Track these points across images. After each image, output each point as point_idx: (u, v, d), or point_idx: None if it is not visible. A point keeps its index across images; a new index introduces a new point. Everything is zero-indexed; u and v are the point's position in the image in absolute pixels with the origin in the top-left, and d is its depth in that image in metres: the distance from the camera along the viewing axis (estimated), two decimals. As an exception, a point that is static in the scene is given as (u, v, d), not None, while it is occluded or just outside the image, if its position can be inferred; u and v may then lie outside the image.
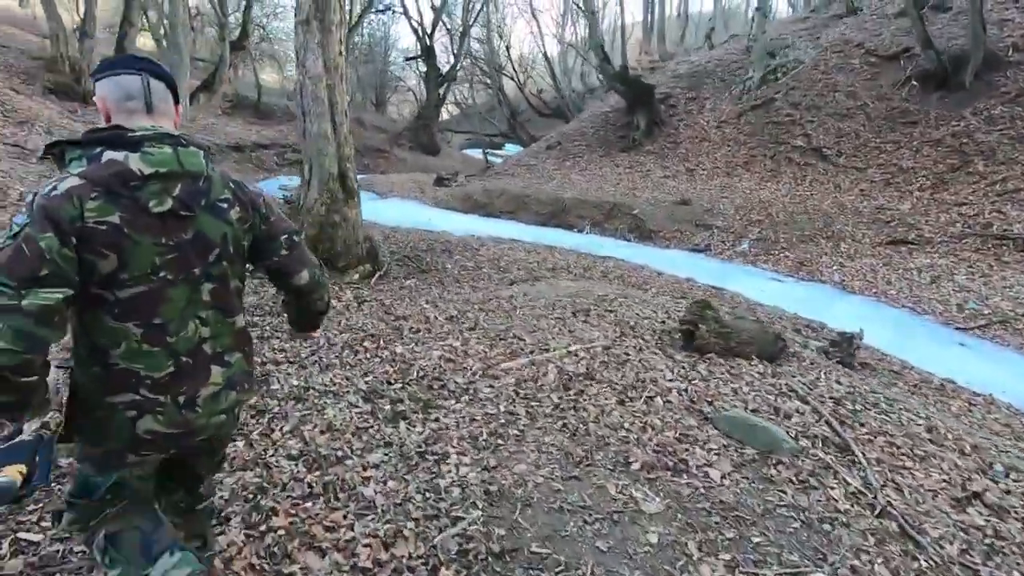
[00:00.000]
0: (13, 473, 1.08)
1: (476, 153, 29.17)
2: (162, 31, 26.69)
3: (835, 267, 9.60)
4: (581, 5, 28.69)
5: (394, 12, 24.11)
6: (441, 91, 25.22)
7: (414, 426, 2.76)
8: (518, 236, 11.29)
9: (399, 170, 22.92)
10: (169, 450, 1.34)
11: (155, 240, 1.19)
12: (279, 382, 3.15)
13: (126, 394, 1.22)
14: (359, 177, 17.50)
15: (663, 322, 4.44)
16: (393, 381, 3.27)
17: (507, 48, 30.84)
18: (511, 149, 35.03)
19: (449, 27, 26.35)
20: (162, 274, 1.21)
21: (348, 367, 3.48)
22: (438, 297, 5.64)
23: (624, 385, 3.18)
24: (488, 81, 34.25)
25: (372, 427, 2.74)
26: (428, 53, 23.63)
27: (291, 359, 3.53)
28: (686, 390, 3.11)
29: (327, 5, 5.38)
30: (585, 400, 3.02)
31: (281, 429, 2.66)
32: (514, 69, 31.37)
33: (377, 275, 6.21)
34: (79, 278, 1.12)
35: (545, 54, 25.29)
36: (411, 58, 26.19)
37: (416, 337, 4.17)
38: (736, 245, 10.88)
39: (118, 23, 16.00)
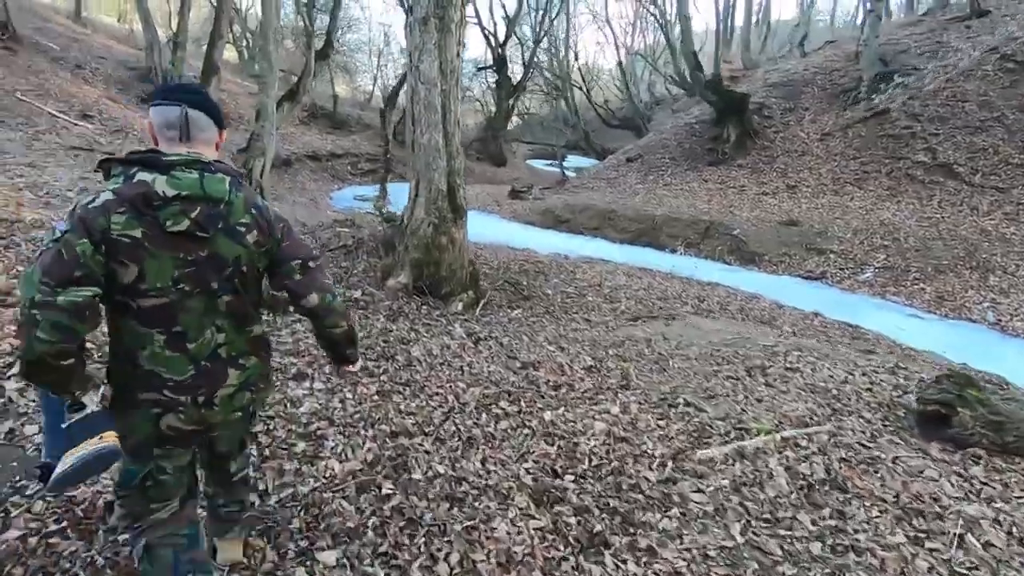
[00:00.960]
0: (112, 438, 1.48)
1: (539, 164, 28.55)
2: (244, 43, 27.58)
3: (986, 303, 8.21)
4: (656, 13, 27.69)
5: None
6: (511, 101, 24.70)
7: (624, 563, 1.94)
8: (607, 255, 10.42)
9: (468, 181, 22.50)
10: (191, 444, 1.50)
11: (173, 255, 1.30)
12: (421, 467, 2.41)
13: (151, 393, 1.35)
14: None
15: (869, 389, 3.46)
16: (562, 471, 2.48)
17: (575, 57, 30.11)
18: (574, 161, 34.34)
19: (519, 37, 25.88)
20: (181, 286, 1.32)
21: (496, 443, 2.73)
22: (558, 335, 4.85)
23: (899, 505, 2.26)
24: (553, 91, 33.70)
25: (564, 559, 1.95)
26: (500, 63, 23.18)
27: (425, 426, 2.81)
28: (998, 519, 2.16)
29: (448, 2, 4.74)
30: (854, 528, 2.13)
31: (445, 556, 1.90)
32: (582, 79, 30.58)
33: (481, 304, 5.50)
34: (106, 283, 1.25)
35: (620, 63, 24.37)
36: (483, 68, 25.82)
37: (560, 396, 3.38)
38: (857, 273, 9.59)
39: (206, 36, 16.34)
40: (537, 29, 23.96)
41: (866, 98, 13.90)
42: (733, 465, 2.52)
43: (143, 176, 1.26)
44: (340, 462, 2.37)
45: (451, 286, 5.28)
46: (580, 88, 31.66)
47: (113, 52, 16.54)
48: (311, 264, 1.55)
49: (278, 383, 2.96)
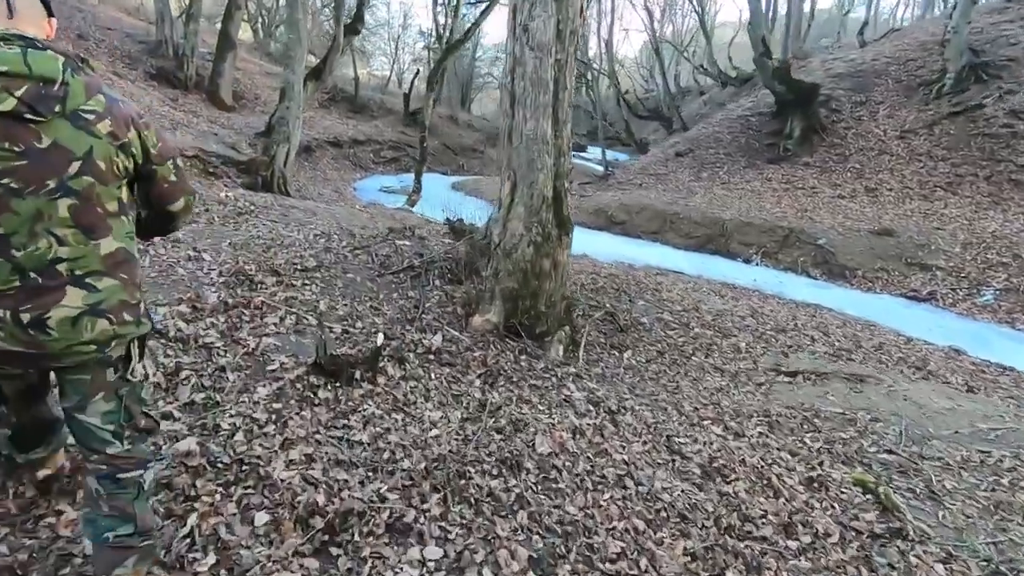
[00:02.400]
0: None
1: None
2: (259, 20, 26.08)
3: None
4: (692, -2, 25.94)
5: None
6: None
7: None
8: (674, 265, 9.05)
9: (495, 172, 21.09)
10: (24, 367, 1.28)
11: None
12: None
13: None
14: (456, 180, 15.66)
15: None
16: None
17: (606, 45, 28.41)
18: (595, 153, 32.77)
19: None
20: (5, 181, 1.11)
21: None
22: (701, 400, 3.53)
23: None
24: (581, 78, 32.02)
25: None
26: (531, 47, 21.54)
27: None
28: None
29: (572, -64, 3.36)
30: None
31: None
32: (612, 68, 28.91)
33: (581, 344, 4.15)
34: None
35: (657, 49, 22.75)
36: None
37: (808, 556, 2.06)
38: (974, 295, 8.19)
39: (218, 12, 14.91)
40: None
41: (953, 92, 12.37)
42: None
43: None
44: None
45: (548, 323, 3.94)
46: (608, 76, 30.04)
47: (121, 24, 15.12)
48: (179, 163, 1.39)
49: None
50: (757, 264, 9.66)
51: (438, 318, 3.65)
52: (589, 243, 9.99)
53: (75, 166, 1.16)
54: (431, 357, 3.20)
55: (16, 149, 1.11)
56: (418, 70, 20.75)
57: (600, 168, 25.21)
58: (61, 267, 1.18)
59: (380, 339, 2.86)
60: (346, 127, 17.16)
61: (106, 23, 14.35)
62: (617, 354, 4.34)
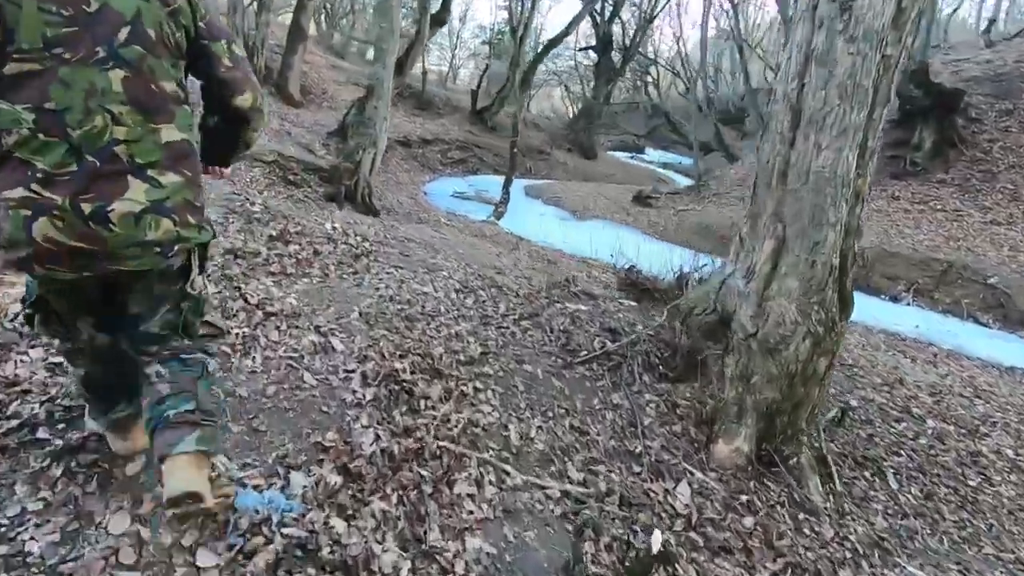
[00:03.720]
0: None
1: (621, 157, 25.38)
2: (323, 12, 25.44)
3: None
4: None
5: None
6: (609, 88, 21.66)
7: None
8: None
9: (562, 176, 19.73)
10: (75, 271, 1.09)
11: (43, 6, 1.00)
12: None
13: (17, 189, 1.01)
14: (527, 183, 14.32)
15: None
16: None
17: (679, 41, 26.64)
18: (654, 156, 31.03)
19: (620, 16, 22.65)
20: (57, 50, 1.01)
21: None
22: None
23: None
24: (644, 76, 30.29)
25: None
26: (605, 45, 20.12)
27: None
28: None
29: None
30: None
31: None
32: (683, 65, 27.13)
33: (838, 479, 2.83)
34: None
35: (740, 49, 20.92)
36: (584, 49, 22.83)
37: None
38: None
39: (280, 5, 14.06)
40: (648, 5, 20.71)
41: None
42: None
43: None
44: None
45: (795, 445, 2.64)
46: (678, 74, 28.24)
47: (190, 14, 14.48)
48: (236, 49, 1.22)
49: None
50: (909, 304, 8.06)
51: (666, 445, 2.40)
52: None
53: (124, 32, 1.05)
54: (694, 538, 1.95)
55: (64, 13, 1.00)
56: (487, 65, 19.55)
57: (678, 177, 23.59)
58: (120, 150, 1.05)
59: (656, 540, 1.63)
60: (414, 125, 16.16)
61: (176, 12, 13.70)
62: (867, 477, 3.01)
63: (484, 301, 3.27)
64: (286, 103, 12.42)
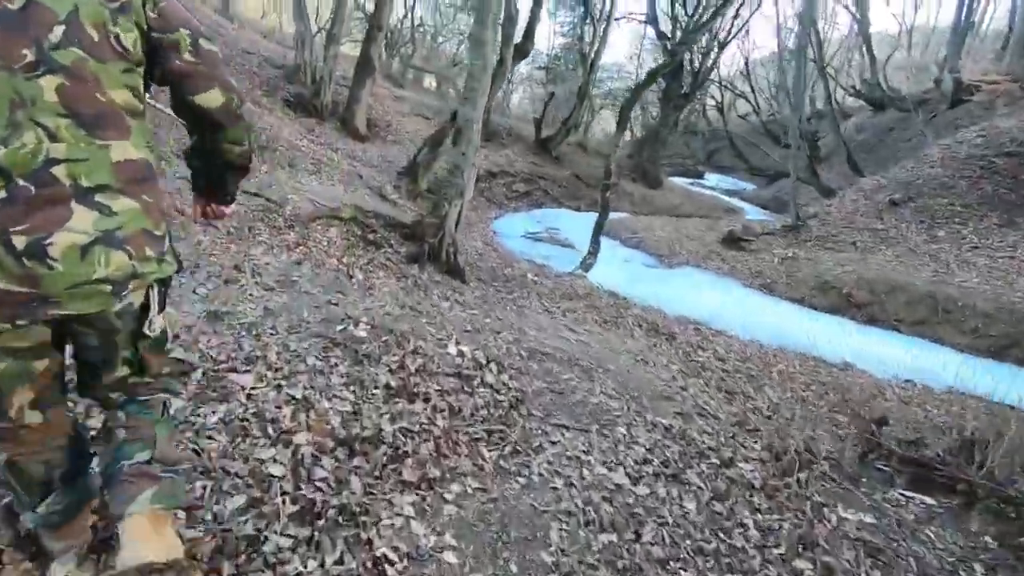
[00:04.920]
0: None
1: (680, 183, 23.89)
2: (383, 41, 25.37)
3: None
4: (852, 6, 22.16)
5: (637, 21, 19.84)
6: (678, 115, 20.43)
7: None
8: (979, 385, 6.05)
9: (628, 207, 18.52)
10: (13, 320, 0.88)
11: None
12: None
13: None
14: (599, 215, 13.02)
15: None
16: None
17: (745, 61, 25.22)
18: (714, 180, 29.42)
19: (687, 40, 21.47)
20: None
21: None
22: None
23: None
24: (710, 100, 28.88)
25: None
26: (675, 70, 18.94)
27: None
28: None
29: None
30: None
31: None
32: (751, 88, 25.67)
33: None
34: None
35: (822, 68, 19.33)
36: (652, 73, 21.68)
37: None
38: None
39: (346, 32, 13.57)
40: (721, 29, 19.48)
41: None
42: None
43: None
44: None
45: None
46: (745, 97, 26.77)
47: (258, 47, 14.22)
48: (203, 43, 1.02)
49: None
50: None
51: None
52: (830, 335, 7.23)
53: (58, 32, 0.86)
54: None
55: None
56: (551, 94, 18.68)
57: (748, 207, 22.01)
58: (58, 172, 0.87)
59: None
60: (479, 158, 15.35)
61: (245, 47, 13.43)
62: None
63: (698, 491, 2.14)
64: (352, 138, 11.80)
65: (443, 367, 2.54)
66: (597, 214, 16.79)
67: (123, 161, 0.93)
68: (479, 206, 13.06)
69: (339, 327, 2.51)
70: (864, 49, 25.24)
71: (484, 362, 2.72)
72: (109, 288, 0.92)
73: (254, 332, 2.29)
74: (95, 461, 1.14)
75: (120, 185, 0.93)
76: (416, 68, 23.63)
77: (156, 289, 1.04)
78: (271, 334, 2.31)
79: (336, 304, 2.81)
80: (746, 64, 24.97)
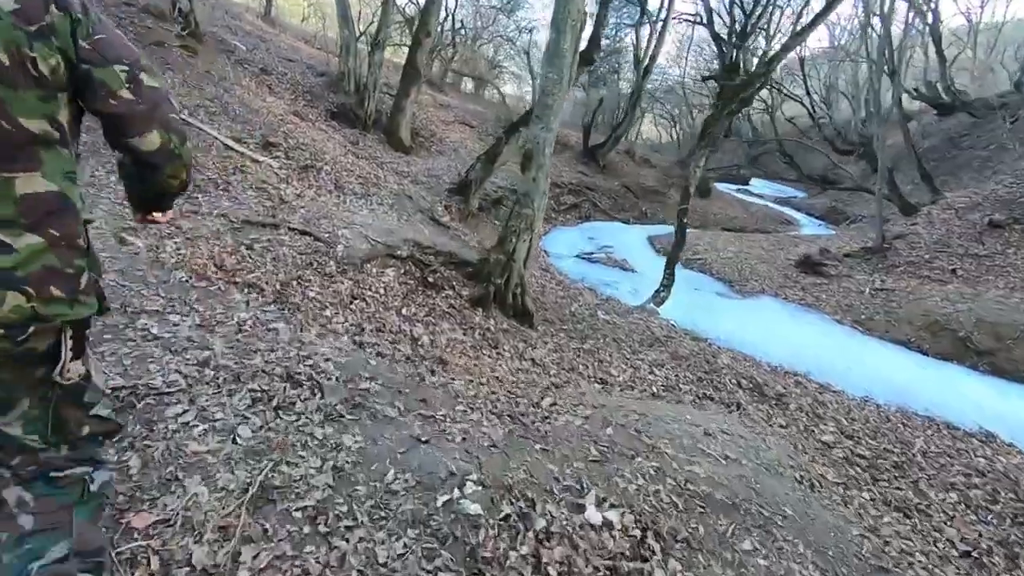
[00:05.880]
0: None
1: (724, 189, 22.55)
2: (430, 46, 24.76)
3: None
4: (926, 7, 20.47)
5: (690, 22, 18.67)
6: (731, 120, 19.17)
7: None
8: None
9: (667, 218, 17.45)
10: None
11: None
12: None
13: None
14: (651, 232, 12.24)
15: None
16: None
17: (801, 62, 23.67)
18: (758, 187, 27.90)
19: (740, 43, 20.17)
20: None
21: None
22: None
23: None
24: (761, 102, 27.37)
25: None
26: (731, 72, 17.72)
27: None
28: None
29: None
30: None
31: None
32: (806, 90, 24.14)
33: None
34: None
35: (893, 71, 17.80)
36: (709, 77, 20.50)
37: None
38: None
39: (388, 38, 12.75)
40: (779, 30, 18.16)
41: None
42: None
43: None
44: None
45: None
46: (799, 100, 25.22)
47: (300, 54, 13.67)
48: (145, 78, 0.95)
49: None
50: None
51: None
52: (954, 391, 6.13)
53: None
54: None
55: None
56: (601, 99, 17.72)
57: (800, 216, 20.63)
58: None
59: None
60: (523, 167, 14.50)
61: (286, 53, 12.88)
62: None
63: None
64: (396, 149, 11.11)
65: (591, 555, 1.70)
66: (649, 227, 15.77)
67: (30, 194, 0.87)
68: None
69: (440, 497, 1.69)
70: (932, 48, 23.40)
71: (639, 535, 1.86)
72: (2, 331, 0.86)
73: (321, 526, 1.49)
74: None
75: (25, 220, 0.87)
76: (458, 73, 22.94)
77: (68, 332, 0.95)
78: (348, 527, 1.50)
79: (425, 439, 1.99)
80: (801, 65, 23.39)
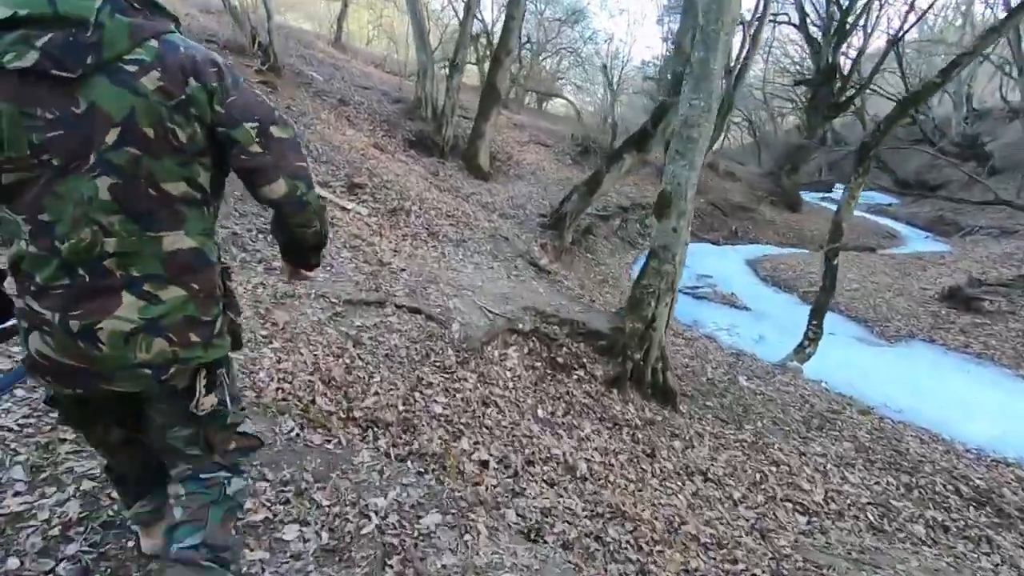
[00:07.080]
0: None
1: (810, 198, 20.42)
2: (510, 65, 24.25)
3: None
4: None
5: (783, 24, 17.10)
6: (826, 127, 17.38)
7: None
8: None
9: (772, 238, 15.82)
10: (70, 388, 1.00)
11: (25, 110, 0.84)
12: None
13: (20, 300, 0.97)
14: (749, 254, 10.56)
15: None
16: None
17: (899, 58, 21.33)
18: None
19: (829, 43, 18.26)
20: (44, 157, 0.86)
21: None
22: None
23: None
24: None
25: None
26: (827, 76, 16.02)
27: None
28: None
29: None
30: None
31: None
32: (906, 86, 21.73)
33: None
34: None
35: (1023, 69, 15.42)
36: (801, 82, 18.83)
37: None
38: None
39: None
40: (875, 27, 16.25)
41: None
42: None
43: None
44: None
45: None
46: (895, 99, 22.78)
47: (373, 79, 13.26)
48: (274, 131, 1.00)
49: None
50: None
51: None
52: None
53: (113, 134, 0.88)
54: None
55: (49, 116, 0.85)
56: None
57: (901, 227, 18.50)
58: (111, 264, 0.93)
59: None
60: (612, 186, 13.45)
61: (360, 80, 12.47)
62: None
63: None
64: (475, 176, 10.35)
65: None
66: (742, 247, 14.29)
67: (174, 250, 0.95)
68: (616, 248, 11.18)
69: None
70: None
71: None
72: (148, 371, 0.97)
73: None
74: None
75: (170, 275, 0.96)
76: (533, 90, 22.19)
77: (203, 372, 1.05)
78: None
79: None
80: (899, 61, 21.05)
